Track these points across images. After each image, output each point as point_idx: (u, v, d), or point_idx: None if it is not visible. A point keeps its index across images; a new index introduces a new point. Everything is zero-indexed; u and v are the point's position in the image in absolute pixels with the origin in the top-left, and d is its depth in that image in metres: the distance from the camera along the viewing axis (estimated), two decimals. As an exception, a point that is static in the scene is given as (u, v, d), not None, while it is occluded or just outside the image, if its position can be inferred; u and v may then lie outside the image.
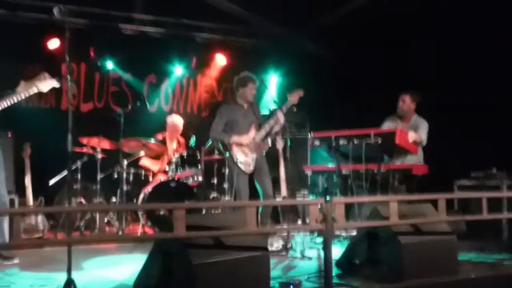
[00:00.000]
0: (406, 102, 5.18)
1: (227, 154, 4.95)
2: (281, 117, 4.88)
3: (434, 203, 3.46)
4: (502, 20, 5.32)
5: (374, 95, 6.28)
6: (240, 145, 4.91)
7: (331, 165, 4.83)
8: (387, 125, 5.24)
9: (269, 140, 4.97)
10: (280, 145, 5.05)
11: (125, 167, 5.33)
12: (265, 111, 5.18)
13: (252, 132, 5.01)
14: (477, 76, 5.56)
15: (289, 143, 5.08)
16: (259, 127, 5.05)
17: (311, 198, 5.34)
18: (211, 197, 5.45)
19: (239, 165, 4.89)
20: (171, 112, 6.80)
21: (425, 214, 3.52)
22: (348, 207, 4.48)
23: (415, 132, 4.94)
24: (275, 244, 4.37)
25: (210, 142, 5.34)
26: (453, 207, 4.90)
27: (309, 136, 5.73)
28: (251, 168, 4.92)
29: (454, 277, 3.33)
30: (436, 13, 5.67)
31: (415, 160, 4.97)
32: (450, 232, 3.56)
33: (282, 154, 5.06)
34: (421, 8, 5.67)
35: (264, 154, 5.08)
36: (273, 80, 7.69)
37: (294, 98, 4.92)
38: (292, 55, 7.28)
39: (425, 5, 5.64)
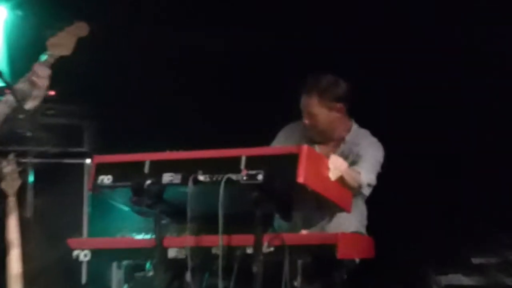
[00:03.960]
0: (317, 112, 5.00)
1: None
2: (42, 72, 4.36)
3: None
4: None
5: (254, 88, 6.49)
6: None
7: (139, 236, 4.70)
8: (284, 143, 5.15)
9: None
10: (12, 183, 4.47)
11: None
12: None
13: None
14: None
15: (31, 179, 4.54)
16: None
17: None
18: None
19: None
20: None
21: None
22: None
23: (346, 162, 4.64)
24: None
25: None
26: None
27: (87, 163, 5.84)
28: None
29: None
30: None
31: (346, 226, 4.80)
32: None
33: (16, 207, 4.45)
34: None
35: None
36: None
37: (66, 45, 4.42)
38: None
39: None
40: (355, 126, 5.05)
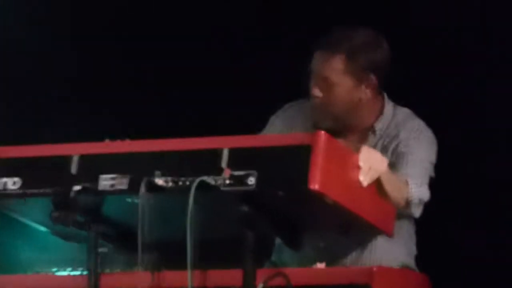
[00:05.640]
0: (338, 80, 4.87)
1: None
2: None
3: None
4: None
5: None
6: None
7: (64, 273, 4.41)
8: (282, 131, 5.06)
9: None
10: None
11: None
12: None
13: None
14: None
15: None
16: None
17: None
18: None
19: None
20: None
21: None
22: None
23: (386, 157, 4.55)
24: None
25: None
26: None
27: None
28: None
29: None
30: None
31: (386, 258, 4.77)
32: None
33: None
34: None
35: None
36: None
37: None
38: None
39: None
40: (389, 106, 4.82)
